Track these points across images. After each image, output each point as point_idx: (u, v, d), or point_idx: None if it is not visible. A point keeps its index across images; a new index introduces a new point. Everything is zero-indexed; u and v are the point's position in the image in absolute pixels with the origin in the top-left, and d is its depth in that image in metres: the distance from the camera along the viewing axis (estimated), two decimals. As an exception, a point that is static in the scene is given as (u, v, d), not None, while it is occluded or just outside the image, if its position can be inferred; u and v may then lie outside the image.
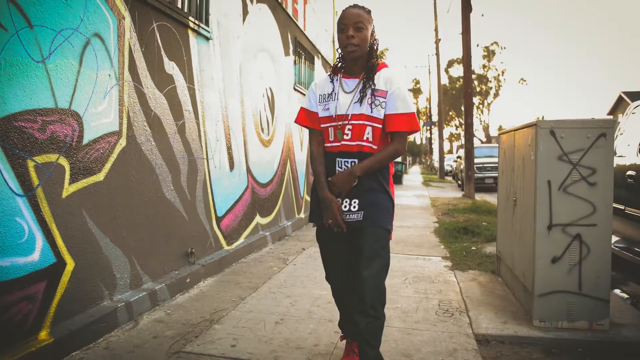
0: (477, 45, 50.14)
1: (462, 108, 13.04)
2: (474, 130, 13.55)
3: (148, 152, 3.71)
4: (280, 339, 3.07)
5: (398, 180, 21.52)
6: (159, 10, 3.79)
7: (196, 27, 4.40)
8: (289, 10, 7.55)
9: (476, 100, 55.41)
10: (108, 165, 3.25)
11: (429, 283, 4.48)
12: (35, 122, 2.61)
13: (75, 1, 2.89)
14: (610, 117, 36.00)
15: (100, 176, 3.17)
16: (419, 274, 4.84)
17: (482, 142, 50.73)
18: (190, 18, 4.30)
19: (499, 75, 56.61)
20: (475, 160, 14.54)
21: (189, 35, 4.33)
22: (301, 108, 2.45)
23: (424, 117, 51.02)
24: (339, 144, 2.30)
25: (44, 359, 2.58)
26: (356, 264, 2.27)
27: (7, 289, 2.45)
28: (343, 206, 2.29)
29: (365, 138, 2.27)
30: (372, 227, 2.27)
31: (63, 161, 2.83)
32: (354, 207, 2.29)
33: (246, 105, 5.78)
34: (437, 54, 28.77)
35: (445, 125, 57.43)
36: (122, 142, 3.40)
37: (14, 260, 2.49)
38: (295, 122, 2.47)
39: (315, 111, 2.39)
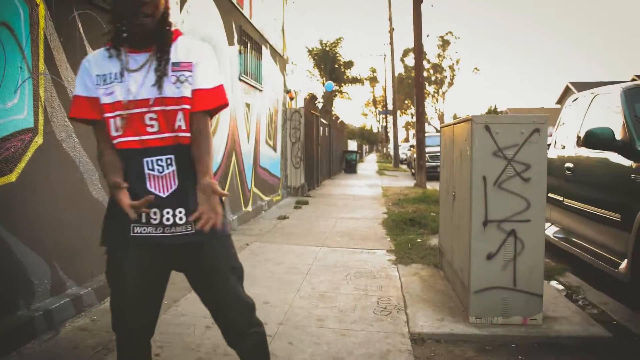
0: (427, 36, 50.36)
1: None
2: (429, 118, 13.68)
3: (70, 149, 3.48)
4: (209, 346, 2.94)
5: (352, 169, 21.62)
6: (79, -3, 3.54)
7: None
8: (233, -2, 7.33)
9: (431, 89, 56.20)
10: (22, 165, 3.02)
11: (370, 279, 4.44)
12: None
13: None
14: (558, 106, 37.22)
15: (12, 177, 2.94)
16: (362, 269, 4.79)
17: (437, 131, 51.60)
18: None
19: (453, 64, 57.50)
20: (428, 150, 14.69)
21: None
22: (75, 97, 1.77)
23: (380, 106, 51.42)
24: (139, 138, 1.73)
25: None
26: (208, 288, 1.89)
27: None
28: (165, 219, 1.74)
29: (177, 126, 1.74)
30: (217, 239, 1.81)
31: (-36, 162, 2.60)
32: (180, 218, 1.76)
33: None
34: (391, 43, 28.95)
35: (401, 114, 57.91)
36: (39, 140, 3.16)
37: None
38: (71, 116, 1.79)
39: (95, 96, 1.74)
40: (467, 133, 3.49)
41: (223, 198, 1.81)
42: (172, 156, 1.75)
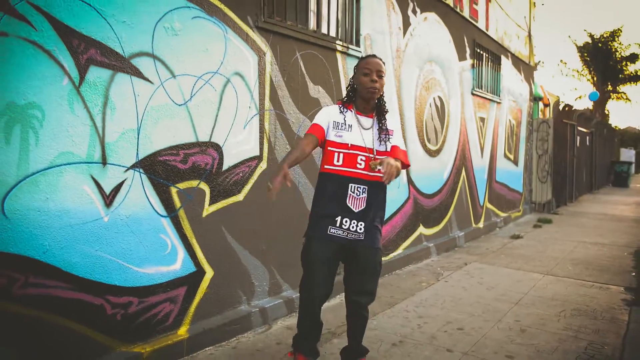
0: None
1: None
2: None
3: (291, 171, 4.04)
4: (385, 364, 3.11)
5: (623, 183, 18.79)
6: (302, 41, 4.11)
7: (345, 49, 4.62)
8: (466, 13, 7.27)
9: None
10: (248, 187, 3.68)
11: (589, 319, 3.96)
12: (178, 155, 3.14)
13: (215, 49, 3.35)
14: None
15: (240, 197, 3.62)
16: (583, 306, 4.29)
17: None
18: (338, 42, 4.54)
19: None
20: None
21: (337, 57, 4.57)
22: (315, 124, 2.74)
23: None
24: (351, 170, 2.67)
25: (179, 350, 3.11)
26: (353, 275, 2.73)
27: (152, 292, 3.02)
28: (350, 226, 2.65)
29: (378, 169, 2.62)
30: (371, 248, 2.69)
31: (203, 186, 3.33)
32: (360, 228, 2.66)
33: (407, 118, 5.79)
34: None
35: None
36: (263, 165, 3.80)
37: (158, 268, 3.06)
38: (308, 133, 2.75)
39: (324, 128, 2.72)
40: None
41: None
42: (367, 187, 2.68)
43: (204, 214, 3.36)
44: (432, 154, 6.49)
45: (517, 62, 9.81)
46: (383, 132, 2.72)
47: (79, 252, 2.64)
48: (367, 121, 2.75)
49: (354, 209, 2.65)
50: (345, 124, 2.71)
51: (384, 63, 2.74)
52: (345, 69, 4.70)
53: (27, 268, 2.43)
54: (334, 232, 2.65)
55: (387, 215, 5.47)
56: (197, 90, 3.25)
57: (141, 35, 2.90)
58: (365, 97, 2.72)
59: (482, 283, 5.04)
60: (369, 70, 2.66)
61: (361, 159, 2.67)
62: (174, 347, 3.07)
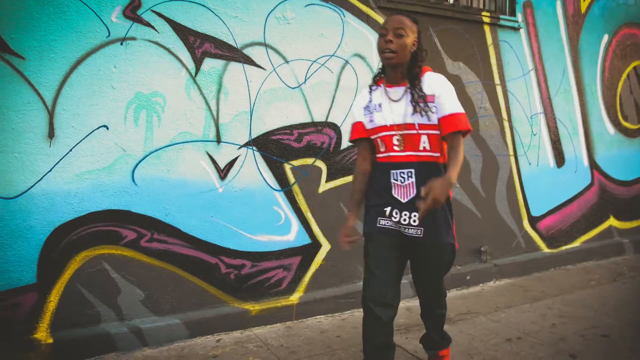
0: None
1: None
2: None
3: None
4: (488, 357, 2.88)
5: None
6: (436, 16, 3.95)
7: (494, 21, 4.27)
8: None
9: None
10: (370, 166, 3.75)
11: None
12: (292, 134, 3.41)
13: (331, 33, 3.50)
14: None
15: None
16: None
17: None
18: (484, 13, 4.22)
19: None
20: None
21: (485, 30, 4.25)
22: (353, 124, 2.37)
23: None
24: (389, 154, 2.21)
25: (288, 314, 3.40)
26: (419, 277, 2.37)
27: (265, 257, 3.36)
28: (402, 219, 2.19)
29: (422, 148, 2.15)
30: (435, 243, 2.19)
31: (319, 163, 3.53)
32: (414, 221, 2.17)
33: (589, 92, 5.04)
34: None
35: None
36: (389, 145, 3.82)
37: (271, 237, 3.38)
38: (350, 140, 2.41)
39: (363, 121, 2.30)
40: None
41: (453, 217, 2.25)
42: (412, 170, 2.17)
43: (320, 190, 3.56)
44: (631, 133, 5.49)
45: None
46: (420, 99, 2.11)
47: (196, 216, 3.12)
48: (397, 92, 2.18)
49: (401, 199, 2.19)
50: (373, 104, 2.24)
51: (413, 20, 2.17)
52: (497, 41, 4.34)
53: (152, 226, 3.00)
54: (383, 224, 2.25)
55: (558, 202, 4.89)
56: (312, 74, 3.46)
57: (253, 27, 3.23)
58: (385, 64, 2.19)
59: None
60: (385, 31, 2.11)
61: (397, 139, 2.17)
62: (282, 310, 3.37)
